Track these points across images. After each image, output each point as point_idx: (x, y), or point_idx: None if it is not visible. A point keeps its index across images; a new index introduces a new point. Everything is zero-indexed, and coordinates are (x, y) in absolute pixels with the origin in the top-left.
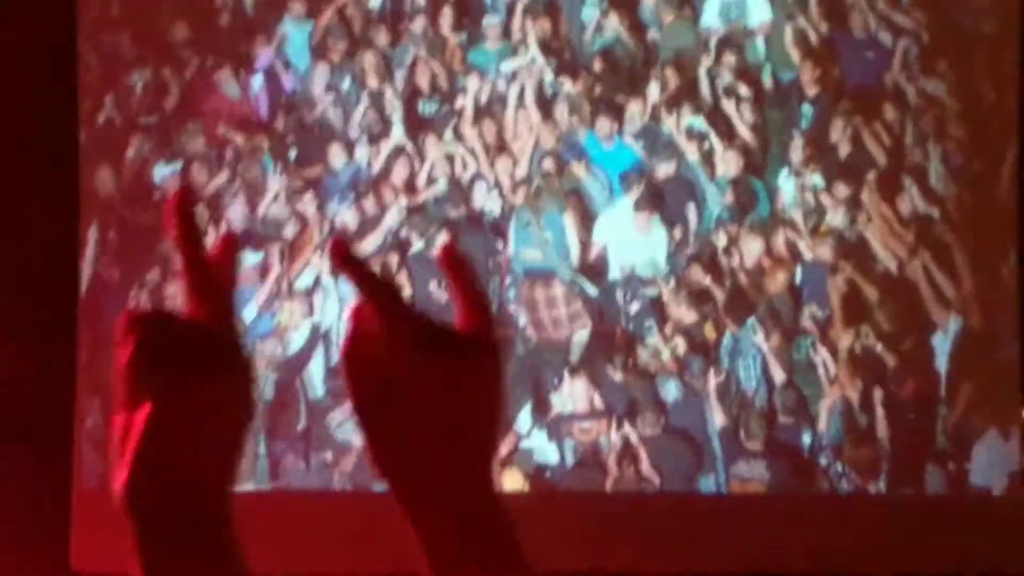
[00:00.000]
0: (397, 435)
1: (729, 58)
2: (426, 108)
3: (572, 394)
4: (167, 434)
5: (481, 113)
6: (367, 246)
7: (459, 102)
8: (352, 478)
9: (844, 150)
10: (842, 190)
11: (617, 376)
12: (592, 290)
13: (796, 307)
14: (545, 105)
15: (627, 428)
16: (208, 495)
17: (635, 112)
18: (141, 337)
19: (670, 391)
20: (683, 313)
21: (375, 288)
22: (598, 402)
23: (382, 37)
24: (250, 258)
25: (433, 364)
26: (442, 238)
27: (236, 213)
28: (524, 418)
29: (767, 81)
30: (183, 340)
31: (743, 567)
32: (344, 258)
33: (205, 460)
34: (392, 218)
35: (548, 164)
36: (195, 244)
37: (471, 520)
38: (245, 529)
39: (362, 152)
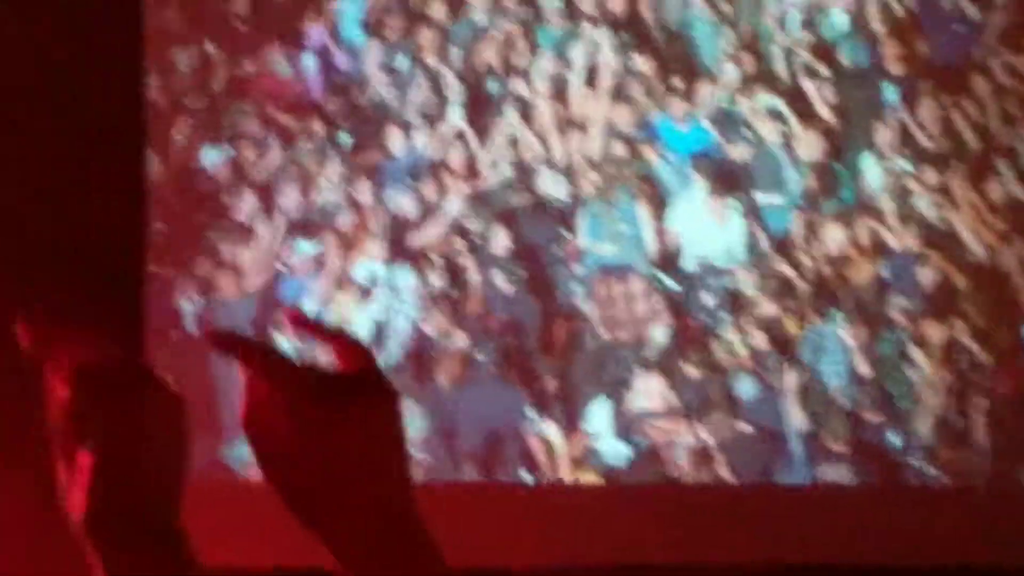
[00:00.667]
0: (309, 486)
1: (807, 35)
2: (488, 88)
3: (647, 392)
4: (118, 462)
5: (548, 93)
6: (427, 233)
7: (523, 82)
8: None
9: (932, 131)
10: (930, 175)
11: (693, 373)
12: (672, 284)
13: (882, 299)
14: (616, 85)
15: (700, 428)
16: (163, 512)
17: (708, 92)
18: (77, 374)
19: (746, 389)
20: (763, 306)
21: (258, 359)
22: (673, 400)
23: (440, 11)
24: (304, 247)
25: (327, 411)
26: (503, 227)
27: (290, 200)
28: (596, 417)
29: (846, 59)
30: (113, 371)
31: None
32: (224, 341)
33: (157, 480)
34: (453, 205)
35: (619, 148)
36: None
37: (391, 539)
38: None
39: (420, 135)
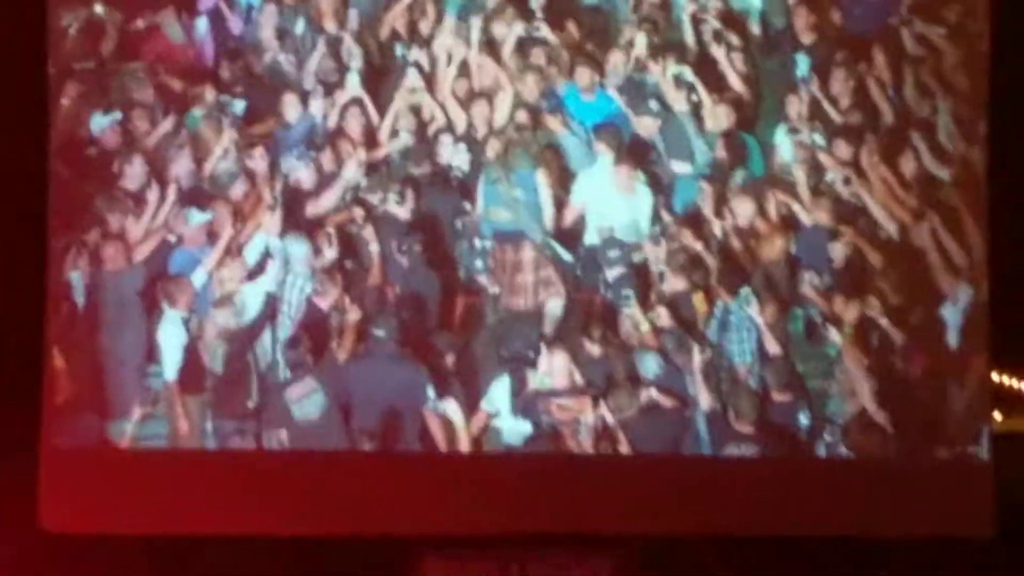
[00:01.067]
0: None
1: (715, 2)
2: (389, 54)
3: (550, 369)
4: None
5: (451, 61)
6: (324, 203)
7: (425, 49)
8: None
9: (844, 103)
10: (843, 148)
11: (595, 350)
12: (566, 255)
13: (793, 275)
14: (521, 53)
15: (604, 407)
16: None
17: (618, 62)
18: None
19: (650, 367)
20: (670, 282)
21: None
22: (577, 378)
23: None
24: (196, 217)
25: None
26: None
27: (181, 168)
28: (497, 394)
29: (756, 28)
30: None
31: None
32: None
33: None
34: (351, 174)
35: (522, 116)
36: None
37: None
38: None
39: (317, 104)
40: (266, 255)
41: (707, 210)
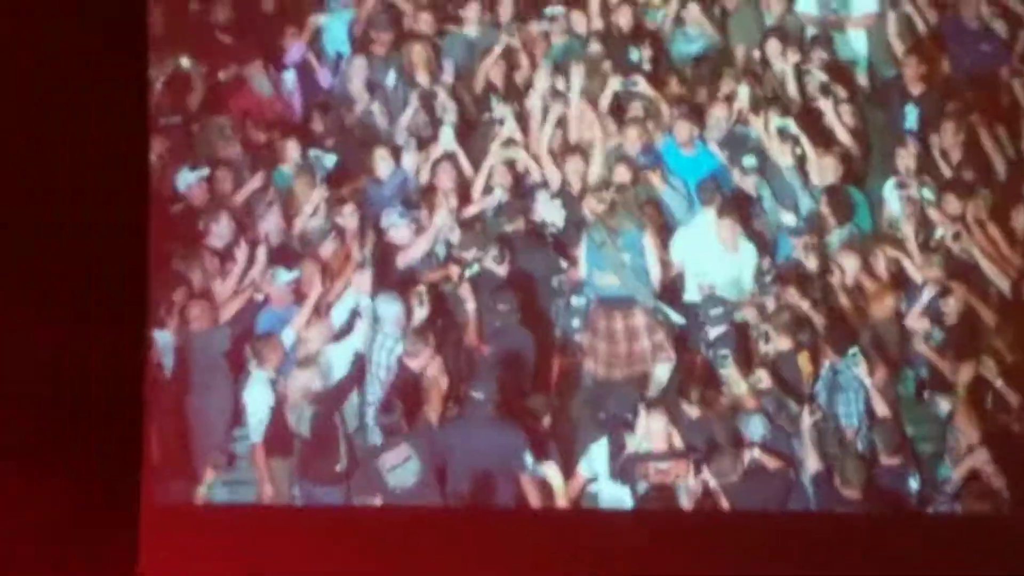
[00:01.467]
0: None
1: (820, 52)
2: (484, 107)
3: (649, 432)
4: None
5: (547, 114)
6: (414, 254)
7: (519, 102)
8: None
9: (955, 156)
10: (953, 203)
11: (694, 412)
12: (678, 318)
13: (903, 334)
14: (619, 106)
15: (706, 471)
16: None
17: (720, 116)
18: None
19: (756, 429)
20: (775, 341)
21: None
22: (677, 441)
23: (429, 25)
24: (284, 276)
25: None
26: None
27: (271, 226)
28: (595, 458)
29: (863, 78)
30: None
31: None
32: None
33: None
34: (442, 224)
35: (622, 173)
36: None
37: None
38: None
39: (410, 158)
40: (354, 314)
41: (812, 267)
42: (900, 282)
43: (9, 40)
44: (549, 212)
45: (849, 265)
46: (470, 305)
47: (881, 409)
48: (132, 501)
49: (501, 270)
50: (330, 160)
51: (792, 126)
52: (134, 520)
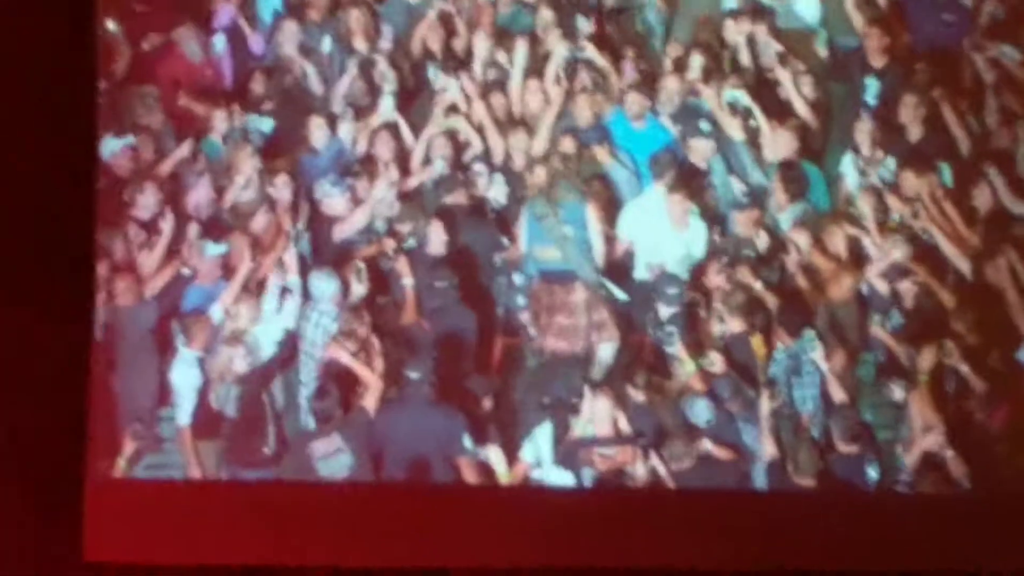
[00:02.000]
0: None
1: (775, 22)
2: (422, 75)
3: (593, 416)
4: None
5: (489, 86)
6: (351, 227)
7: (461, 71)
8: None
9: (915, 131)
10: (912, 180)
11: (640, 396)
12: (621, 295)
13: (862, 317)
14: (566, 77)
15: (655, 458)
16: None
17: (672, 88)
18: None
19: (701, 414)
20: (727, 322)
21: None
22: (623, 425)
23: None
24: (212, 250)
25: None
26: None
27: (200, 197)
28: (539, 443)
29: (822, 49)
30: None
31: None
32: None
33: None
34: (380, 196)
35: (568, 145)
36: None
37: None
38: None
39: (346, 128)
40: (284, 291)
41: (763, 246)
42: (858, 262)
43: None
44: (491, 187)
45: (803, 244)
46: (407, 281)
47: (838, 395)
48: (77, 479)
49: (439, 245)
50: (267, 125)
51: (744, 98)
52: (78, 498)
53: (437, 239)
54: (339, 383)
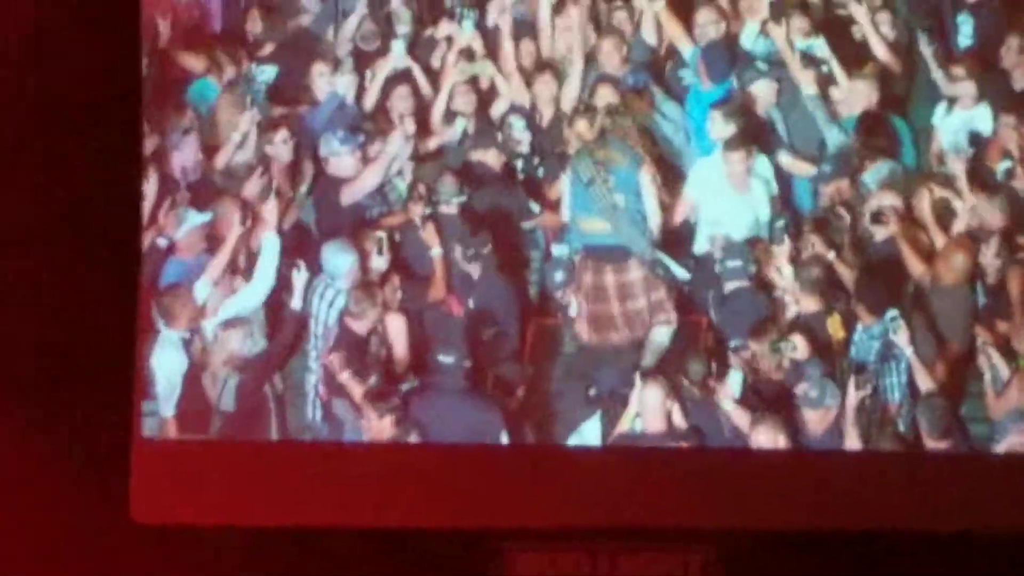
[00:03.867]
0: None
1: None
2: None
3: (644, 408)
4: None
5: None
6: (362, 188)
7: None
8: None
9: (1020, 77)
10: (1012, 133)
11: (696, 391)
12: (680, 272)
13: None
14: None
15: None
16: None
17: (722, 27)
18: None
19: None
20: (802, 301)
21: None
22: (678, 419)
23: None
24: (193, 219)
25: None
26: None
27: (186, 157)
28: (587, 439)
29: None
30: None
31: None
32: None
33: None
34: (396, 152)
35: (607, 96)
36: None
37: None
38: None
39: (352, 77)
40: (292, 264)
41: (844, 212)
42: (975, 236)
43: None
44: (522, 143)
45: (890, 208)
46: (436, 252)
47: (925, 383)
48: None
49: (469, 210)
50: (269, 73)
51: (820, 46)
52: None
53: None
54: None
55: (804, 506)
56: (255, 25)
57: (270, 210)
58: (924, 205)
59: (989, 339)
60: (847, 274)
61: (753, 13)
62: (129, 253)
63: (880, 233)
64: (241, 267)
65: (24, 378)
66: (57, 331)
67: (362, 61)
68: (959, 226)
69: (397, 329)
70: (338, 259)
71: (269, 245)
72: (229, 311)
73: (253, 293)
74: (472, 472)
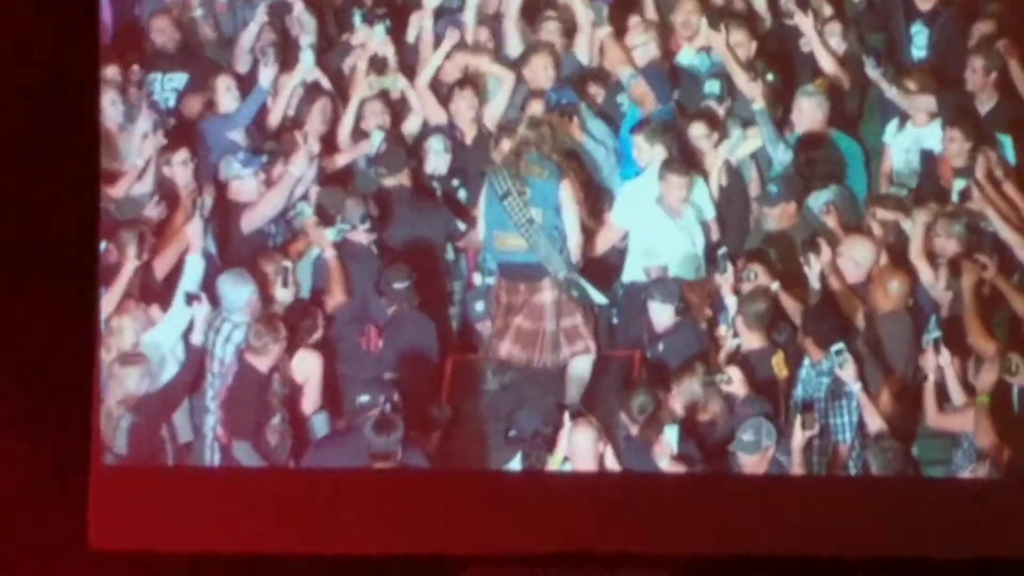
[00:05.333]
0: None
1: None
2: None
3: (573, 451)
4: None
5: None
6: (263, 214)
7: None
8: None
9: (985, 99)
10: (964, 151)
11: (634, 429)
12: (599, 298)
13: (915, 327)
14: (528, 24)
15: None
16: None
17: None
18: None
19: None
20: (743, 337)
21: None
22: (611, 462)
23: None
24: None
25: None
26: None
27: None
28: None
29: None
30: None
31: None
32: None
33: None
34: (300, 185)
35: (536, 108)
36: None
37: None
38: None
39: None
40: (191, 296)
41: (795, 239)
42: (906, 260)
43: None
44: (438, 161)
45: (835, 236)
46: (329, 253)
47: (875, 422)
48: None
49: (371, 237)
50: (173, 84)
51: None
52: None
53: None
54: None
55: (761, 530)
56: (159, 35)
57: (195, 231)
58: (877, 232)
59: (949, 367)
60: (792, 306)
61: (688, 31)
62: (85, 269)
63: (815, 264)
64: (138, 300)
65: None
66: (15, 354)
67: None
68: (912, 251)
69: (310, 366)
70: (235, 291)
71: (190, 270)
72: (115, 345)
73: (172, 324)
74: (431, 497)
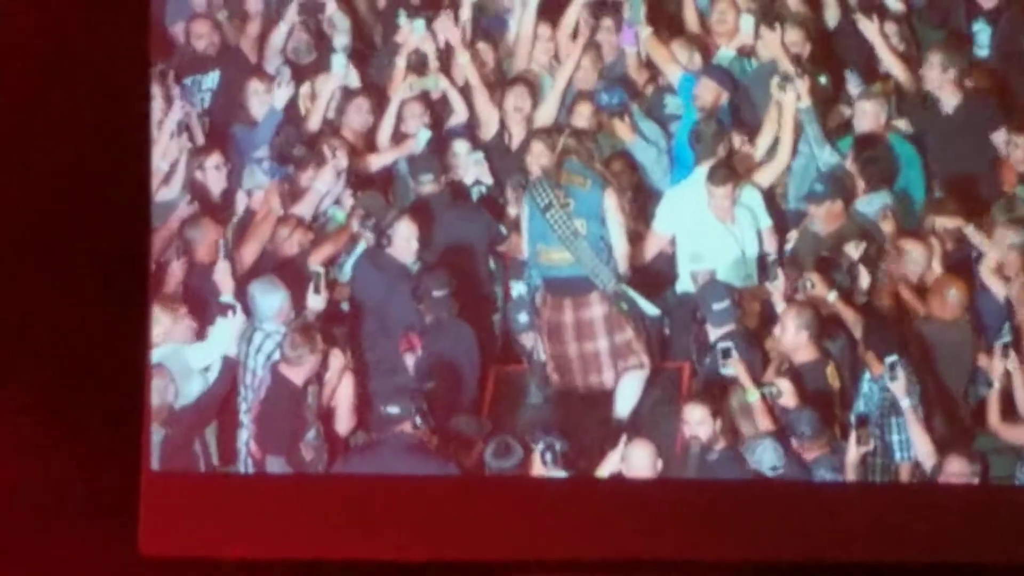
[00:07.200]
0: None
1: None
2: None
3: (629, 465)
4: None
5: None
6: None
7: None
8: None
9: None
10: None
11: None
12: (651, 309)
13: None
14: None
15: None
16: None
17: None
18: None
19: (766, 459)
20: (792, 343)
21: None
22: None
23: None
24: None
25: None
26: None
27: None
28: None
29: None
30: None
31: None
32: None
33: None
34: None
35: (584, 115)
36: None
37: None
38: None
39: (284, 93)
40: (224, 306)
41: (849, 248)
42: (965, 265)
43: None
44: (475, 168)
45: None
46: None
47: (923, 445)
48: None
49: (407, 252)
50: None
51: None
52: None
53: (405, 242)
54: (279, 421)
55: (813, 536)
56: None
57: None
58: (934, 240)
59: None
60: (852, 317)
61: (727, 38)
62: (138, 275)
63: (871, 271)
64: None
65: (33, 407)
66: (67, 362)
67: (301, 75)
68: (986, 265)
69: (345, 382)
70: (265, 299)
71: (222, 279)
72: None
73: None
74: (480, 503)
